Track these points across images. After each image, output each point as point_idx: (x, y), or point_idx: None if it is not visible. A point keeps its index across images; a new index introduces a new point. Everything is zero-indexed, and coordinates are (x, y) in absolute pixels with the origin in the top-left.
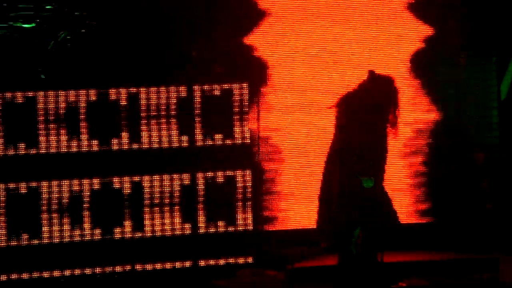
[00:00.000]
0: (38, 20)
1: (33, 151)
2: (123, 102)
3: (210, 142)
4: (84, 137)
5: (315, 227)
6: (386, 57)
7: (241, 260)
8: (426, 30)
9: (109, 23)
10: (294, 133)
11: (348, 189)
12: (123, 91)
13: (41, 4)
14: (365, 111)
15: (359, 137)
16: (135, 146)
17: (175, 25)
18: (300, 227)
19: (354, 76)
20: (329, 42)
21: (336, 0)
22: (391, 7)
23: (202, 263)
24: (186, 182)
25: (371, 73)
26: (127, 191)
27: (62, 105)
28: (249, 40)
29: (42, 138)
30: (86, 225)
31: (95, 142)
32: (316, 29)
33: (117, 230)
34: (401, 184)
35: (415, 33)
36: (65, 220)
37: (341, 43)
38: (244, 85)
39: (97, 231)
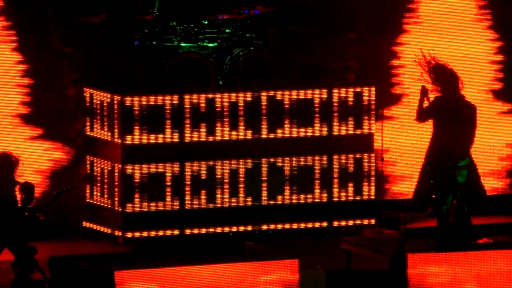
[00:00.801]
0: (219, 41)
1: (210, 138)
2: (286, 102)
3: (344, 133)
4: (242, 128)
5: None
6: None
7: (365, 222)
8: None
9: (269, 43)
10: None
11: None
12: (286, 92)
13: (221, 29)
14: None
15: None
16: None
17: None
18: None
19: None
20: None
21: None
22: None
23: (335, 223)
24: (324, 162)
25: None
26: (286, 169)
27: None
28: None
29: (218, 129)
30: (241, 194)
31: (249, 132)
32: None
33: (279, 197)
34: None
35: None
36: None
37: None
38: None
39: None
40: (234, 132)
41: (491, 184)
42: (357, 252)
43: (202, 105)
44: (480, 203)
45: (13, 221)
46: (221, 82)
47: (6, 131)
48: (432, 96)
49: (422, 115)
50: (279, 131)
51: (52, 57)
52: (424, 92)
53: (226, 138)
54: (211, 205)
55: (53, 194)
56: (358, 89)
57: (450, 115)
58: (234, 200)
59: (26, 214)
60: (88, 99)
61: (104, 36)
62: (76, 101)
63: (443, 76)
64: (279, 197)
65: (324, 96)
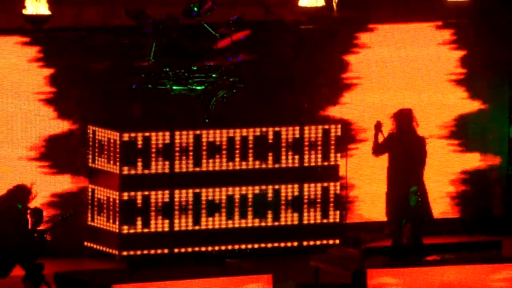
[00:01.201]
0: (206, 84)
1: (197, 169)
2: (270, 136)
3: (313, 164)
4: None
5: (381, 220)
6: None
7: (331, 242)
8: None
9: (251, 87)
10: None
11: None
12: (263, 129)
13: (208, 74)
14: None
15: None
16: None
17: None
18: (370, 220)
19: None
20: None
21: None
22: None
23: (305, 243)
24: (295, 192)
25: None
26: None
27: (218, 139)
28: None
29: (204, 161)
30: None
31: (231, 163)
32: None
33: (256, 220)
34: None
35: None
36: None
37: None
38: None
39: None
40: (216, 164)
41: (439, 208)
42: (324, 269)
43: (190, 140)
44: (429, 225)
45: (24, 241)
46: (207, 120)
47: (22, 162)
48: (385, 131)
49: (378, 150)
50: (257, 162)
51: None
52: (378, 127)
53: (210, 169)
54: (196, 227)
55: (59, 218)
56: (326, 126)
57: (404, 148)
58: (216, 222)
59: (35, 235)
60: (91, 135)
61: (107, 80)
62: (81, 136)
63: (397, 114)
64: (256, 220)
65: (297, 132)
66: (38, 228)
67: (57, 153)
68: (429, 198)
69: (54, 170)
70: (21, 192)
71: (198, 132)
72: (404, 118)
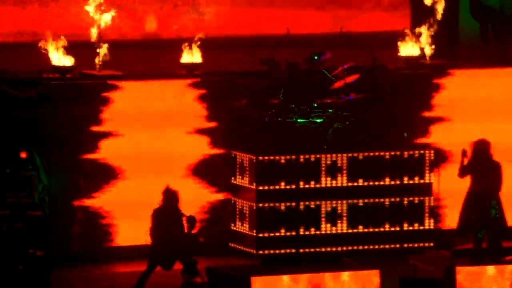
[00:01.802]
0: (324, 118)
1: (317, 185)
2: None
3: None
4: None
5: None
6: None
7: (427, 245)
8: None
9: (360, 120)
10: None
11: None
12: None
13: (326, 110)
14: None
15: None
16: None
17: None
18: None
19: None
20: None
21: None
22: None
23: (405, 245)
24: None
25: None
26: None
27: (338, 160)
28: None
29: (323, 178)
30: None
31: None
32: None
33: (360, 227)
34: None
35: None
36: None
37: None
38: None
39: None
40: (334, 181)
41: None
42: (421, 266)
43: (313, 160)
44: (505, 232)
45: (183, 242)
46: (325, 147)
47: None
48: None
49: (462, 172)
50: (368, 180)
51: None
52: (463, 154)
53: (328, 185)
54: (318, 232)
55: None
56: (422, 152)
57: (483, 172)
58: (334, 228)
59: (191, 237)
60: (234, 158)
61: (245, 115)
62: (225, 159)
63: (476, 143)
64: (370, 227)
65: (398, 154)
66: (192, 232)
67: (208, 172)
68: (504, 211)
69: (206, 185)
70: (175, 196)
71: (318, 155)
72: (481, 147)
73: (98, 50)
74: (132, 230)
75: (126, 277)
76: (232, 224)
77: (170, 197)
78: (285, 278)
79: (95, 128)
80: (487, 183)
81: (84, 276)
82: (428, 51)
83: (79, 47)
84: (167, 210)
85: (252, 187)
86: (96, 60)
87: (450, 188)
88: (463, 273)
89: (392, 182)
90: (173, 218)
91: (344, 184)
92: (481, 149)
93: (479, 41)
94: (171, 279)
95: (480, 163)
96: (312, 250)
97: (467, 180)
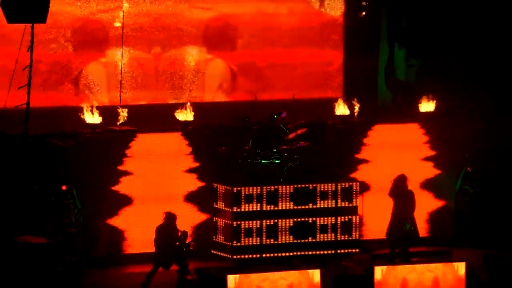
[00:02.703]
0: (281, 159)
1: (276, 208)
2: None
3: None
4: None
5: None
6: None
7: (353, 251)
8: None
9: (306, 162)
10: None
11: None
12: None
13: (283, 153)
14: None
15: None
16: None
17: None
18: (375, 238)
19: None
20: None
21: None
22: None
23: (338, 251)
24: (333, 221)
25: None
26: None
27: (287, 190)
28: None
29: (279, 203)
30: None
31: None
32: None
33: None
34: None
35: None
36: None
37: None
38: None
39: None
40: (288, 205)
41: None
42: (349, 266)
43: (273, 190)
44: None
45: (178, 250)
46: (282, 180)
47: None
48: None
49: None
50: (308, 205)
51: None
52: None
53: (284, 208)
54: (276, 242)
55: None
56: (350, 183)
57: (402, 197)
58: (289, 239)
59: (184, 248)
60: (215, 188)
61: (224, 157)
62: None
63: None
64: (313, 238)
65: (333, 185)
66: (185, 242)
67: (196, 200)
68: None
69: (197, 209)
70: (173, 218)
71: (276, 186)
72: (400, 179)
73: (120, 112)
74: (140, 241)
75: (137, 276)
76: (214, 236)
77: (169, 217)
78: (252, 275)
79: (118, 167)
80: (404, 205)
81: (106, 276)
82: (356, 111)
83: (105, 110)
84: (167, 227)
85: (228, 209)
86: (119, 119)
87: (370, 210)
88: (380, 270)
89: (329, 205)
90: (171, 233)
91: (295, 207)
92: (400, 181)
93: (393, 104)
94: (169, 277)
95: (400, 191)
96: (272, 255)
97: (383, 204)
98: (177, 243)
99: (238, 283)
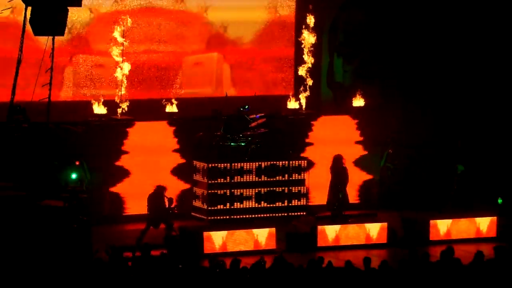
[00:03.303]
0: (245, 142)
1: (239, 180)
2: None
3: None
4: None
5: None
6: None
7: (302, 213)
8: None
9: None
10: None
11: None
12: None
13: (247, 138)
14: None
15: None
16: None
17: None
18: (319, 204)
19: None
20: None
21: None
22: None
23: (290, 214)
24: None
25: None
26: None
27: (250, 166)
28: None
29: (244, 176)
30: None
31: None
32: None
33: (264, 204)
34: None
35: None
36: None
37: None
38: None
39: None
40: (250, 178)
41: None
42: (298, 226)
43: (238, 167)
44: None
45: (165, 213)
46: (246, 159)
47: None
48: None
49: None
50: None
51: None
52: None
53: (248, 180)
54: (241, 206)
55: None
56: (300, 162)
57: (338, 172)
58: (251, 204)
59: (170, 210)
60: (194, 165)
61: (200, 142)
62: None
63: (335, 156)
64: (270, 203)
65: (286, 163)
66: (171, 206)
67: (179, 173)
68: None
69: (180, 180)
70: (162, 189)
71: (242, 164)
72: (337, 157)
73: (120, 105)
74: (136, 205)
75: (134, 232)
76: (193, 201)
77: (159, 188)
78: (223, 232)
79: (119, 147)
80: (340, 178)
81: (110, 231)
82: (304, 106)
83: (110, 103)
84: (156, 196)
85: (204, 181)
86: (119, 111)
87: (314, 182)
88: (321, 229)
89: (283, 178)
90: (159, 200)
91: (256, 179)
92: (337, 160)
93: (332, 101)
94: (158, 233)
95: (336, 168)
96: (239, 217)
97: (325, 177)
98: (164, 207)
99: (225, 238)
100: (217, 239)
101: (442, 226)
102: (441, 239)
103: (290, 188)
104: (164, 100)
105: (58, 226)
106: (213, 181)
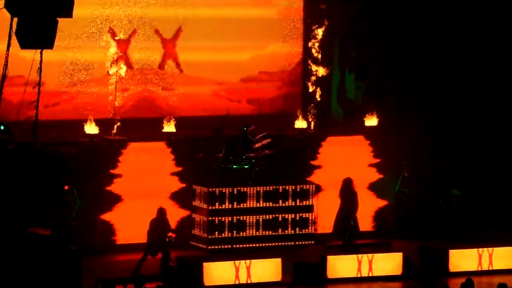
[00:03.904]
0: (249, 164)
1: (241, 206)
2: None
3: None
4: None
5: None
6: None
7: (310, 242)
8: None
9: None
10: None
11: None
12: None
13: (251, 160)
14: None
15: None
16: None
17: None
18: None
19: None
20: None
21: None
22: None
23: (297, 243)
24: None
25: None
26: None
27: (255, 190)
28: None
29: (248, 202)
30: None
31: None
32: None
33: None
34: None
35: None
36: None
37: None
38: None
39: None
40: (255, 204)
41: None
42: (305, 256)
43: (243, 191)
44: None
45: (164, 239)
46: (250, 182)
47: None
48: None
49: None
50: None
51: None
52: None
53: (252, 206)
54: (244, 234)
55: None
56: (308, 186)
57: (348, 197)
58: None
59: (168, 239)
60: (194, 189)
61: (201, 163)
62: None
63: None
64: (276, 231)
65: (293, 187)
66: (169, 234)
67: (178, 198)
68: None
69: (178, 206)
70: (164, 212)
71: (246, 188)
72: (347, 181)
73: (115, 125)
74: (129, 234)
75: (126, 263)
76: (192, 230)
77: (161, 211)
78: (225, 263)
79: (112, 171)
80: (350, 204)
81: (100, 262)
82: (312, 125)
83: (101, 122)
84: (159, 219)
85: (205, 207)
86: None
87: (323, 208)
88: (331, 259)
89: (289, 204)
90: (162, 225)
91: (262, 205)
92: (347, 183)
93: (343, 120)
94: (155, 264)
95: (346, 192)
96: (242, 246)
97: (334, 202)
98: (169, 234)
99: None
100: (218, 271)
101: (463, 256)
102: (462, 270)
103: (298, 214)
104: (164, 118)
105: (45, 257)
106: (213, 207)
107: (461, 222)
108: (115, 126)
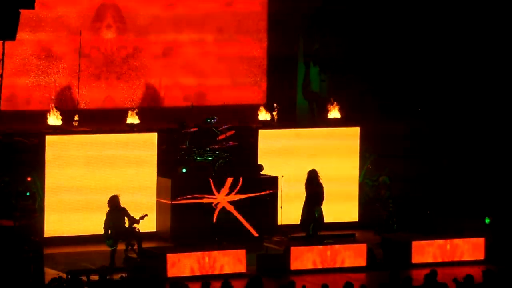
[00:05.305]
0: (213, 156)
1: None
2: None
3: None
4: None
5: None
6: None
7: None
8: None
9: (235, 158)
10: None
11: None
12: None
13: (215, 152)
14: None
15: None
16: None
17: None
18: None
19: None
20: None
21: None
22: None
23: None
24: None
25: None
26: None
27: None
28: None
29: (212, 192)
30: None
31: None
32: None
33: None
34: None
35: None
36: None
37: None
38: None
39: None
40: (218, 195)
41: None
42: (270, 247)
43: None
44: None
45: (129, 230)
46: (214, 174)
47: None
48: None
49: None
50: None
51: None
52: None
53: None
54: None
55: (140, 219)
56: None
57: (313, 188)
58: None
59: (133, 228)
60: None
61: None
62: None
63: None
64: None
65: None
66: (133, 226)
67: (142, 191)
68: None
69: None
70: (115, 200)
71: (209, 179)
72: (312, 173)
73: (75, 117)
74: (92, 224)
75: (88, 254)
76: (157, 222)
77: (113, 200)
78: (190, 254)
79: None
80: (315, 196)
81: (64, 254)
82: (276, 117)
83: (65, 113)
84: (113, 209)
85: (168, 201)
86: (74, 122)
87: (287, 200)
88: (295, 251)
89: (253, 195)
90: (119, 214)
91: (225, 198)
92: (312, 175)
93: (308, 112)
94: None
95: (312, 183)
96: (206, 238)
97: (299, 194)
98: (127, 226)
99: (181, 261)
100: (182, 262)
101: (426, 248)
102: (425, 262)
103: (261, 205)
104: (130, 110)
105: (8, 248)
106: (178, 201)
107: (391, 210)
108: (75, 117)
